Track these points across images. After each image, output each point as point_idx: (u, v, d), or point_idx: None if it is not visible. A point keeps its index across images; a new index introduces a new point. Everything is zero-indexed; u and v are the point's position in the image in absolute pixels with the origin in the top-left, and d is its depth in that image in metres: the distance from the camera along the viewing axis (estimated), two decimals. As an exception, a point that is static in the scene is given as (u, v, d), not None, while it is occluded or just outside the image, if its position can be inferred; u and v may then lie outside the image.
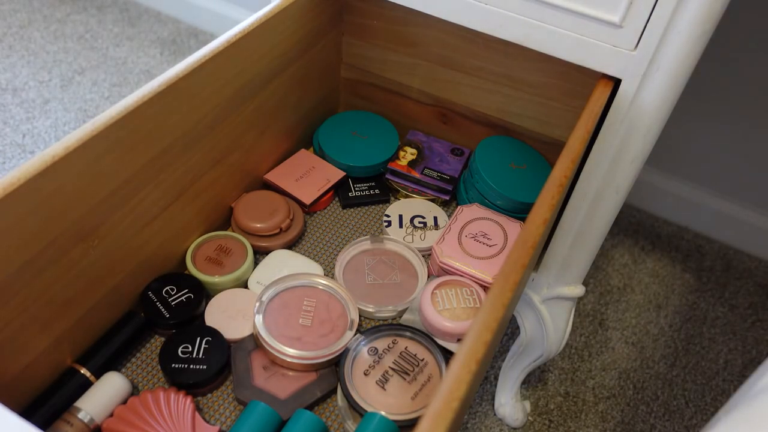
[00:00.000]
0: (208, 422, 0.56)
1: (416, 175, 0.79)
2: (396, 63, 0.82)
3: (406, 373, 0.59)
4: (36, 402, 0.54)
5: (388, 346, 0.61)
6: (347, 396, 0.57)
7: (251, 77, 0.66)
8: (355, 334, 0.61)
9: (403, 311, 0.67)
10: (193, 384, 0.58)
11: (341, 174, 0.79)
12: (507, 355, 0.91)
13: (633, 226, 1.29)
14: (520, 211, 0.75)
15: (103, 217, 0.54)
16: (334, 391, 0.61)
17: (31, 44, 1.53)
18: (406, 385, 0.58)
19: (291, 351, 0.59)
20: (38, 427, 0.49)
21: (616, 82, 0.59)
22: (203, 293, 0.64)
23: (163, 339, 0.63)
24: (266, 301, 0.63)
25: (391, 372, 0.59)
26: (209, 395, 0.59)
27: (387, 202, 0.80)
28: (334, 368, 0.61)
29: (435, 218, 0.77)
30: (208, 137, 0.64)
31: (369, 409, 0.55)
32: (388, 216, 0.77)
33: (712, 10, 0.51)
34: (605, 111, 0.61)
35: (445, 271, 0.69)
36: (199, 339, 0.60)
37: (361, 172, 0.81)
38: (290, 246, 0.73)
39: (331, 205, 0.79)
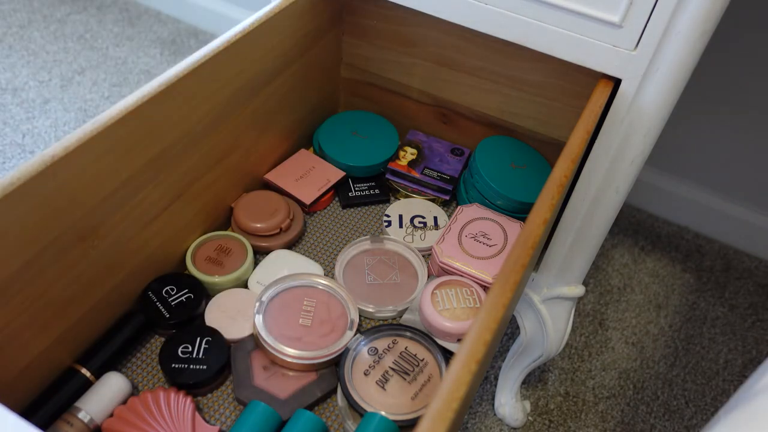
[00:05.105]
0: (208, 422, 0.56)
1: (416, 175, 0.79)
2: (396, 63, 0.82)
3: (406, 373, 0.59)
4: (36, 402, 0.54)
5: (388, 346, 0.61)
6: (347, 396, 0.57)
7: (251, 77, 0.66)
8: (355, 334, 0.61)
9: (403, 311, 0.67)
10: (193, 384, 0.58)
11: (341, 174, 0.79)
12: (507, 355, 0.91)
13: (633, 226, 1.29)
14: (520, 211, 0.75)
15: (103, 217, 0.54)
16: (334, 391, 0.61)
17: (31, 44, 1.53)
18: (406, 385, 0.58)
19: (291, 351, 0.59)
20: (38, 427, 0.49)
21: (616, 82, 0.59)
22: (203, 293, 0.64)
23: (163, 339, 0.63)
24: (266, 301, 0.63)
25: (391, 372, 0.59)
26: (209, 395, 0.59)
27: (387, 202, 0.80)
28: (334, 368, 0.61)
29: (435, 218, 0.77)
30: (208, 137, 0.64)
31: (369, 409, 0.55)
32: (388, 216, 0.77)
33: (712, 10, 0.51)
34: (605, 111, 0.61)
35: (445, 271, 0.69)
36: (199, 339, 0.60)
37: (361, 172, 0.81)
38: (290, 246, 0.73)
39: (331, 205, 0.79)
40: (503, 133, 0.80)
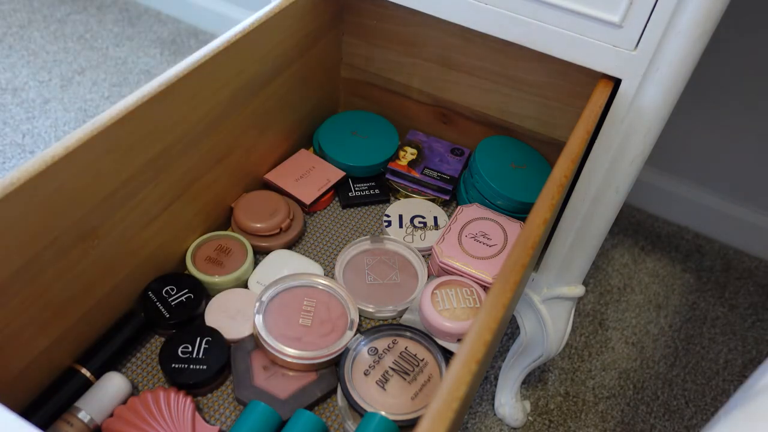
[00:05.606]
0: (208, 422, 0.56)
1: (416, 175, 0.79)
2: (396, 63, 0.82)
3: (406, 373, 0.59)
4: (36, 402, 0.54)
5: (388, 346, 0.61)
6: (347, 396, 0.57)
7: (251, 77, 0.66)
8: (355, 334, 0.61)
9: (403, 311, 0.67)
10: (193, 384, 0.58)
11: (341, 174, 0.79)
12: (507, 355, 0.91)
13: (633, 226, 1.29)
14: (520, 211, 0.75)
15: (103, 217, 0.54)
16: (334, 391, 0.61)
17: (31, 44, 1.53)
18: (406, 385, 0.58)
19: (291, 351, 0.59)
20: (38, 427, 0.49)
21: (616, 82, 0.59)
22: (203, 293, 0.64)
23: (163, 339, 0.63)
24: (266, 301, 0.63)
25: (391, 372, 0.59)
26: (209, 395, 0.59)
27: (387, 202, 0.80)
28: (334, 368, 0.61)
29: (435, 218, 0.77)
30: (208, 137, 0.64)
31: (369, 409, 0.55)
32: (388, 216, 0.77)
33: (712, 10, 0.51)
34: (605, 111, 0.61)
35: (445, 271, 0.69)
36: (199, 339, 0.60)
37: (361, 172, 0.81)
38: (290, 246, 0.73)
39: (331, 205, 0.79)
40: (503, 133, 0.80)
